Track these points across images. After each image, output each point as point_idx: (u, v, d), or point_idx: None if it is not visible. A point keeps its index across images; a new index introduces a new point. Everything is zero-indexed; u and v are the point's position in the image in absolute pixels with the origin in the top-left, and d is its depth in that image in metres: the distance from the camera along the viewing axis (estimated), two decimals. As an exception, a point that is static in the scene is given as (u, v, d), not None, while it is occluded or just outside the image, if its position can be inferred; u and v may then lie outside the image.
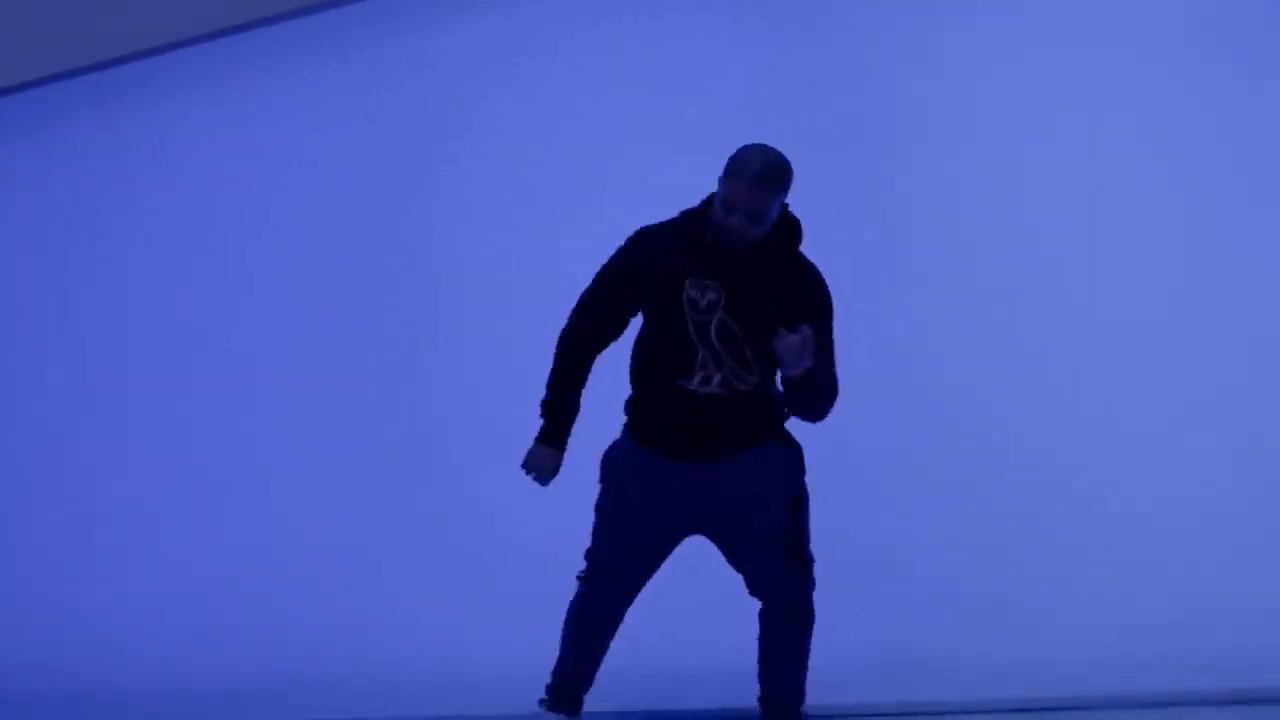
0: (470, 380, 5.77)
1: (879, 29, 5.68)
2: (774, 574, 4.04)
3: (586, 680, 4.26)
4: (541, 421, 4.09)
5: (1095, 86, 5.51)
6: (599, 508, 4.12)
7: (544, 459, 4.08)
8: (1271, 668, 4.92)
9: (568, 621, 4.21)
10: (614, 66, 5.83)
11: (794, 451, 4.09)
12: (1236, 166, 5.42)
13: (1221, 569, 5.16)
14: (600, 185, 5.72)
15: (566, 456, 4.07)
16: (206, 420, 5.98)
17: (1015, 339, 5.43)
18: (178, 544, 5.87)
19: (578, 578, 4.16)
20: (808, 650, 4.11)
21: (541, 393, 4.09)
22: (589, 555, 4.14)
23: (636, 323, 4.08)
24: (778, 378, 3.99)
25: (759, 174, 3.83)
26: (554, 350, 4.09)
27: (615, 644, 4.23)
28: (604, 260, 4.04)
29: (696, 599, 4.69)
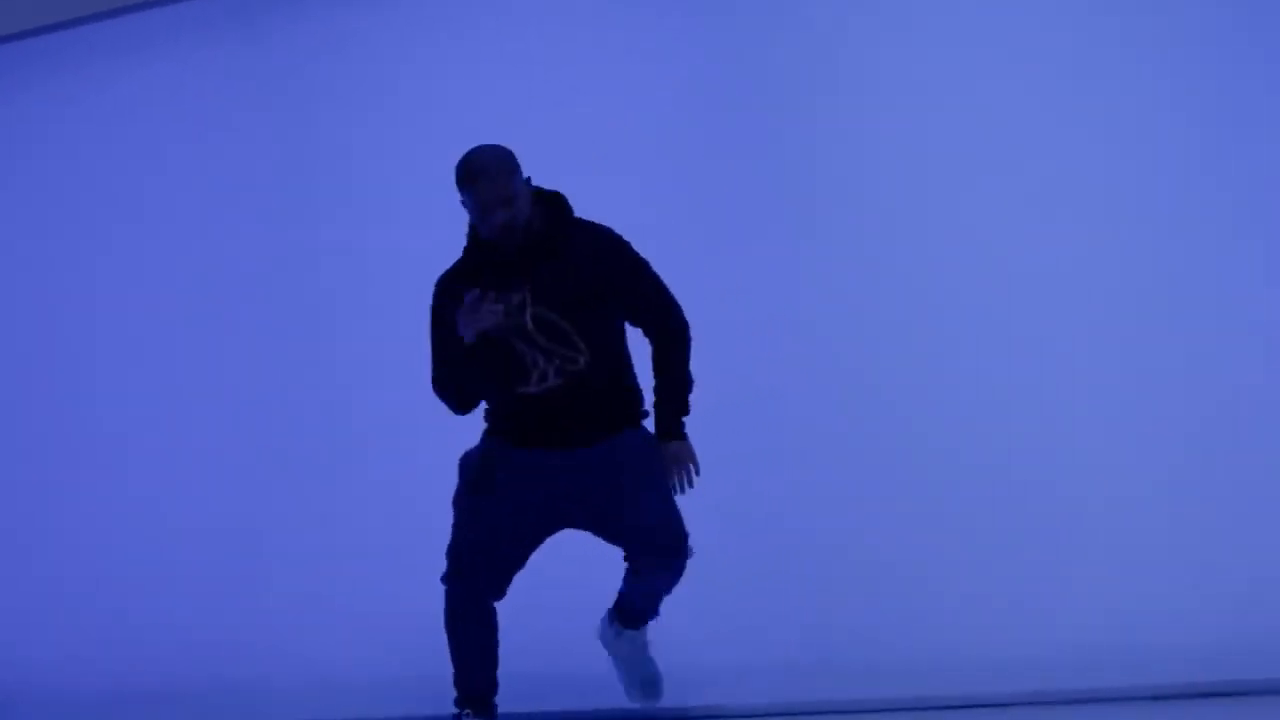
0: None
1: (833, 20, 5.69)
2: (650, 540, 4.02)
3: (490, 683, 4.15)
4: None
5: (1063, 81, 5.52)
6: (456, 502, 4.10)
7: None
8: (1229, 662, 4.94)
9: (446, 628, 4.12)
10: (534, 47, 5.76)
11: (650, 435, 4.10)
12: (1214, 161, 5.44)
13: (1194, 566, 5.17)
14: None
15: None
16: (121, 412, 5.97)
17: (988, 336, 5.42)
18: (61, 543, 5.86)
19: (441, 579, 4.10)
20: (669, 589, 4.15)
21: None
22: (449, 552, 4.09)
23: None
24: (614, 356, 4.04)
25: (485, 166, 3.89)
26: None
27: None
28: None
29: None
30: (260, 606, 5.63)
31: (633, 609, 4.26)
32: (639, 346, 4.19)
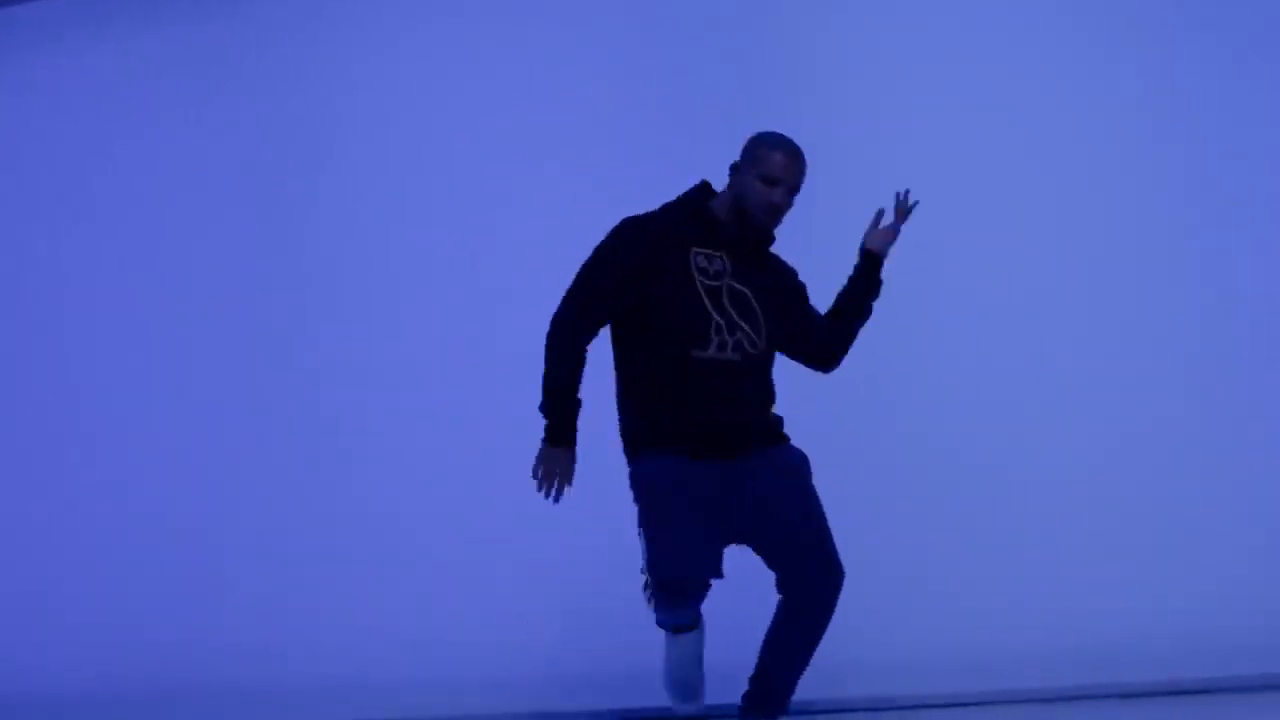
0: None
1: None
2: (806, 570, 3.89)
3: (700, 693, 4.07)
4: (547, 422, 3.93)
5: (1036, 81, 5.52)
6: (648, 523, 3.84)
7: (560, 460, 3.92)
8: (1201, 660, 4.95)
9: (668, 645, 3.95)
10: (498, 42, 5.72)
11: (804, 455, 4.00)
12: (1213, 161, 5.43)
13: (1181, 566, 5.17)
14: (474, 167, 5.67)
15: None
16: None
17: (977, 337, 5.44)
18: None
19: (647, 599, 3.85)
20: (816, 644, 3.97)
21: (538, 395, 3.94)
22: (650, 568, 3.80)
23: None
24: (771, 369, 3.97)
25: (797, 149, 3.92)
26: (546, 346, 3.94)
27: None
28: (588, 253, 3.94)
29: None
30: (251, 608, 5.60)
31: (769, 684, 3.98)
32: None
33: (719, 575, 3.83)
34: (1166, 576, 5.10)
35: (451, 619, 5.47)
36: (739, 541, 3.94)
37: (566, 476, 3.90)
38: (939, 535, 5.24)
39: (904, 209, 4.11)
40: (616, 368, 4.01)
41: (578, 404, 3.93)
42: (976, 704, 4.96)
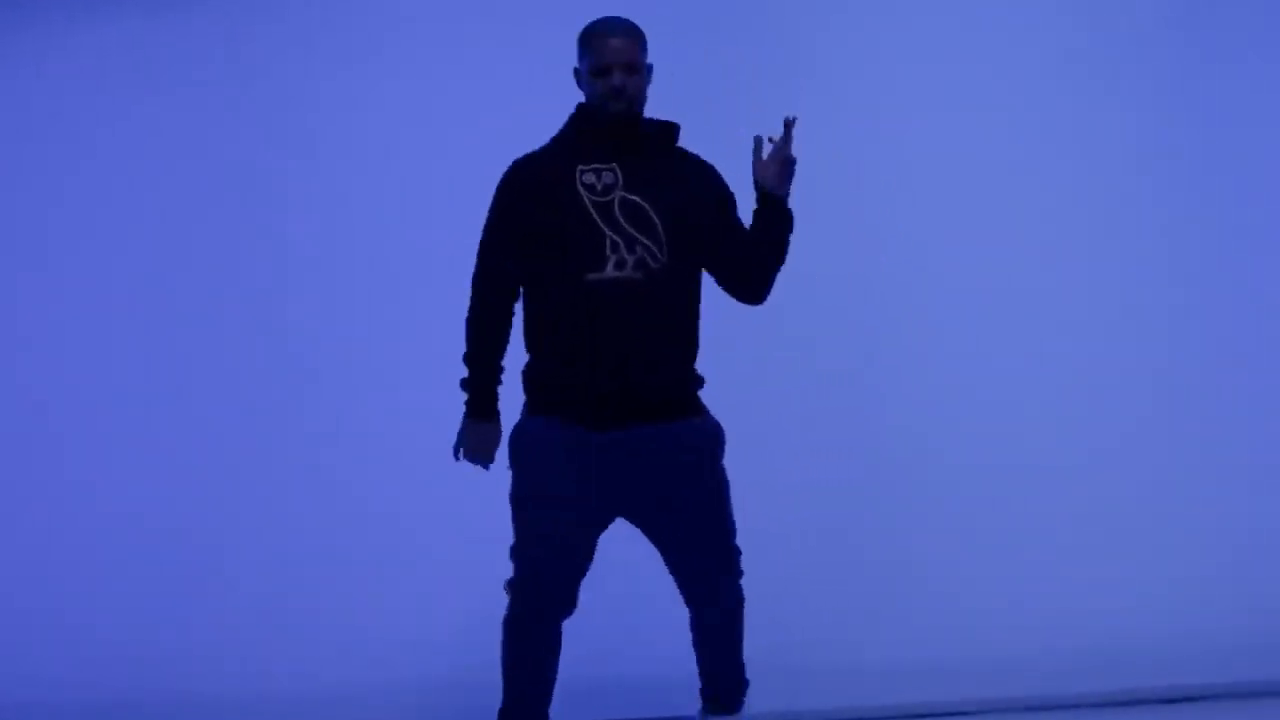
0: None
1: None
2: (704, 565, 3.84)
3: (543, 715, 3.88)
4: (467, 395, 3.83)
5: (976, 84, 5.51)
6: (516, 499, 3.78)
7: (482, 436, 3.83)
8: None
9: (508, 644, 3.82)
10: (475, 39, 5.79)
11: (717, 429, 3.86)
12: (1211, 160, 5.42)
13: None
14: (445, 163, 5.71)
15: None
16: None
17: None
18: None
19: (507, 585, 3.78)
20: (742, 632, 3.95)
21: (460, 369, 3.86)
22: (514, 557, 3.76)
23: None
24: (690, 292, 3.80)
25: (617, 27, 3.78)
26: (468, 315, 3.85)
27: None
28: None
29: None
30: (248, 610, 5.66)
31: (717, 679, 4.00)
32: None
33: (584, 573, 3.75)
34: (1166, 577, 5.10)
35: (451, 619, 5.48)
36: (626, 518, 3.82)
37: (488, 455, 3.81)
38: (936, 536, 5.25)
39: (787, 134, 3.85)
40: (523, 318, 3.86)
41: (498, 372, 3.81)
42: (976, 712, 4.97)
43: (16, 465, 5.86)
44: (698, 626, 3.95)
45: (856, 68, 5.49)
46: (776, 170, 3.81)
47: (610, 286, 3.67)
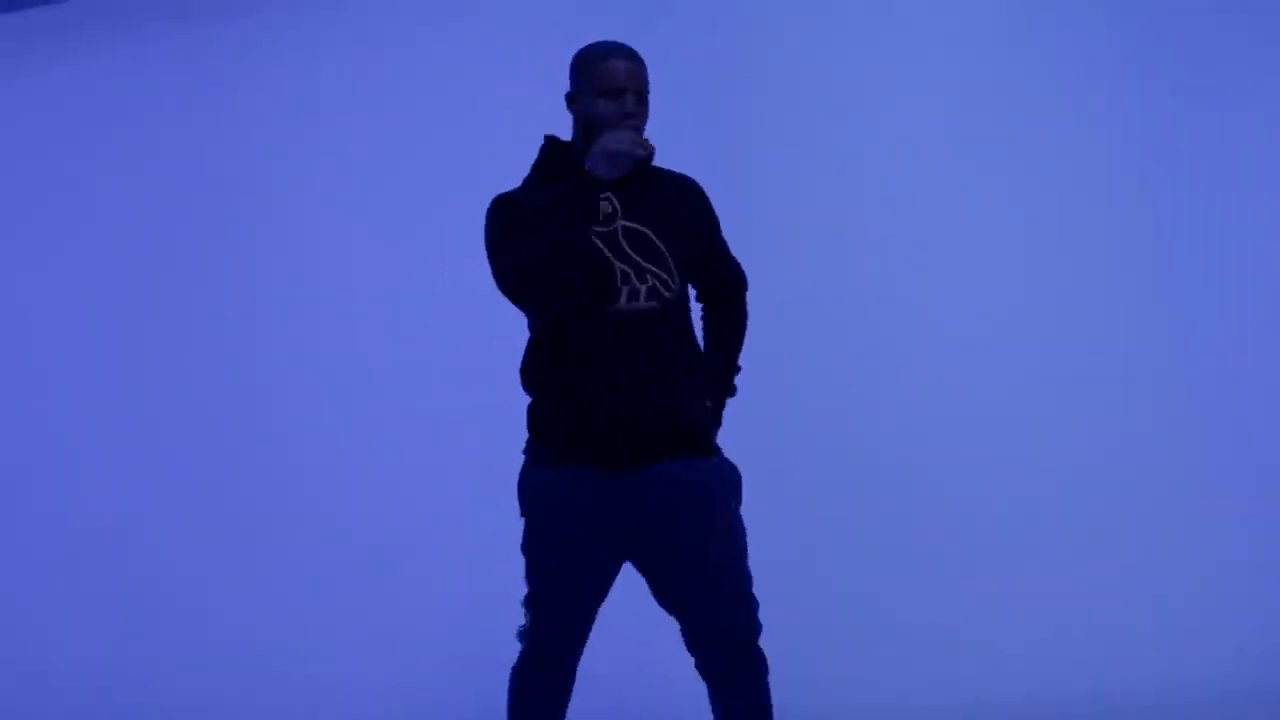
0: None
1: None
2: (716, 616, 3.53)
3: None
4: (579, 208, 3.44)
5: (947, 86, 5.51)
6: (529, 551, 3.57)
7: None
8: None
9: (518, 697, 3.58)
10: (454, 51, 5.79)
11: (733, 469, 3.64)
12: (1208, 160, 5.42)
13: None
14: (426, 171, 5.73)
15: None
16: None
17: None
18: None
19: (521, 634, 3.58)
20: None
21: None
22: (528, 603, 3.58)
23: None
24: (687, 309, 3.58)
25: (627, 49, 3.53)
26: (520, 286, 3.51)
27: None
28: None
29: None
30: (246, 611, 5.67)
31: None
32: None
33: (594, 618, 3.56)
34: (1166, 577, 5.11)
35: (449, 620, 5.48)
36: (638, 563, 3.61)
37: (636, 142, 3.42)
38: (934, 537, 5.25)
39: None
40: (526, 358, 3.63)
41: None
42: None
43: (16, 465, 5.89)
44: (718, 700, 3.63)
45: (857, 68, 5.48)
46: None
47: (626, 318, 3.53)
